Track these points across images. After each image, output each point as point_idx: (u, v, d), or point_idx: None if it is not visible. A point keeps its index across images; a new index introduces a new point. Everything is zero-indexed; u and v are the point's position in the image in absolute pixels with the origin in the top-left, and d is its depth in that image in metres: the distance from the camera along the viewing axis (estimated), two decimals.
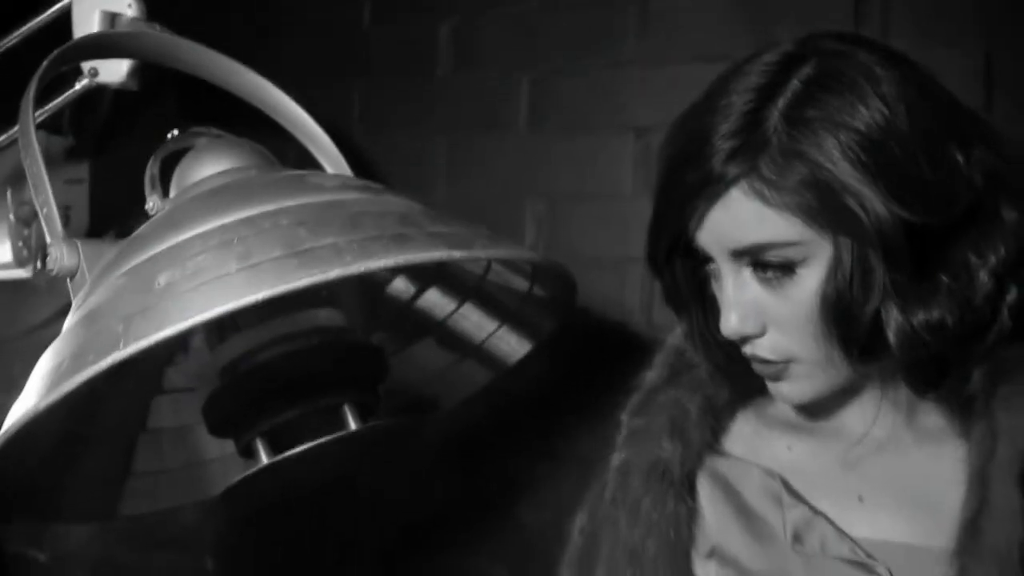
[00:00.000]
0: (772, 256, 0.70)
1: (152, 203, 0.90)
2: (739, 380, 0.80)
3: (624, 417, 0.86)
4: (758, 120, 0.69)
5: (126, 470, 0.98)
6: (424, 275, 0.97)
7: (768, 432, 0.84)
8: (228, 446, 0.93)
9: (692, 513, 0.82)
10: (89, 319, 0.71)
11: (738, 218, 0.70)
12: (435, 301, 0.98)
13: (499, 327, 0.99)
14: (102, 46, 0.99)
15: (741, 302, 0.72)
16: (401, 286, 0.98)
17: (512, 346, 0.99)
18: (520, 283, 0.92)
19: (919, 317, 0.68)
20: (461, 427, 1.22)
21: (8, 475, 0.80)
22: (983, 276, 0.69)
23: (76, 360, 0.65)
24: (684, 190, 0.71)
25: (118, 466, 0.97)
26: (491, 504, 1.23)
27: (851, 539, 0.76)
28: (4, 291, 1.58)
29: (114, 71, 1.07)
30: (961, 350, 0.71)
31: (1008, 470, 0.71)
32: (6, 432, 0.67)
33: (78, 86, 1.08)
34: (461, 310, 0.98)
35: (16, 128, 0.95)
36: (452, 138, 1.26)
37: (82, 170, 1.55)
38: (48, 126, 1.28)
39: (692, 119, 0.73)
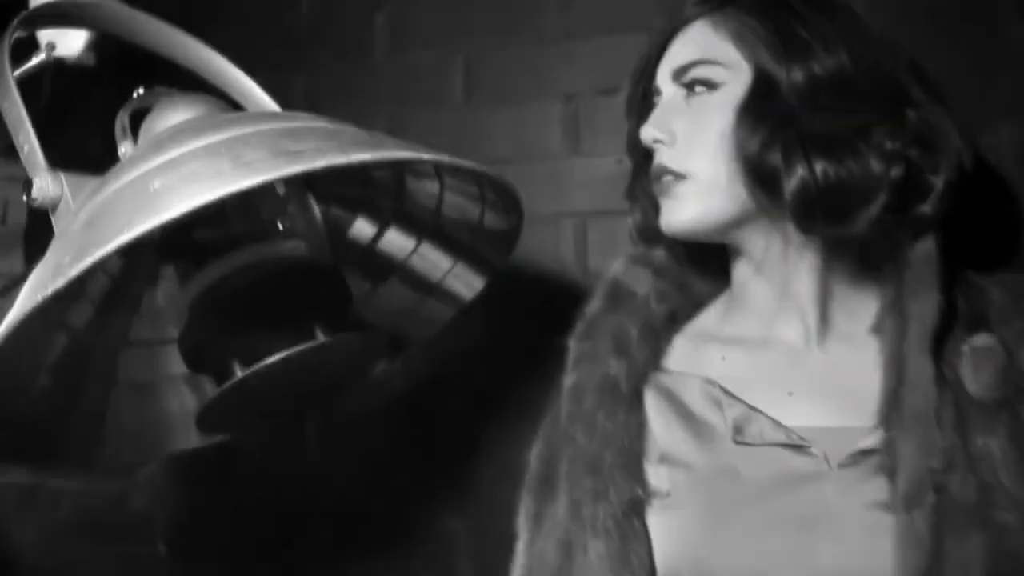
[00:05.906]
0: (701, 72, 0.88)
1: (124, 148, 0.95)
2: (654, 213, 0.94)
3: (572, 343, 0.94)
4: None
5: (102, 422, 1.01)
6: (382, 214, 1.04)
7: (703, 347, 0.93)
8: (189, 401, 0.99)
9: (641, 424, 0.89)
10: (87, 225, 0.76)
11: (689, 39, 0.91)
12: (394, 240, 1.05)
13: (454, 264, 1.06)
14: (63, 14, 1.03)
15: (661, 120, 0.90)
16: (363, 228, 1.05)
17: (467, 283, 1.07)
18: (472, 210, 1.00)
19: (819, 165, 0.82)
20: (406, 385, 1.28)
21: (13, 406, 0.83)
22: (880, 151, 0.83)
23: (80, 252, 0.70)
24: (658, 40, 0.94)
25: (96, 419, 1.00)
26: (442, 458, 1.29)
27: (786, 427, 0.84)
28: None
29: (72, 45, 1.10)
30: (847, 204, 0.83)
31: (920, 346, 0.81)
32: (12, 320, 0.71)
33: (35, 60, 1.10)
34: (419, 249, 1.05)
35: None
36: (391, 112, 1.34)
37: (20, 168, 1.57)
38: None
39: None
